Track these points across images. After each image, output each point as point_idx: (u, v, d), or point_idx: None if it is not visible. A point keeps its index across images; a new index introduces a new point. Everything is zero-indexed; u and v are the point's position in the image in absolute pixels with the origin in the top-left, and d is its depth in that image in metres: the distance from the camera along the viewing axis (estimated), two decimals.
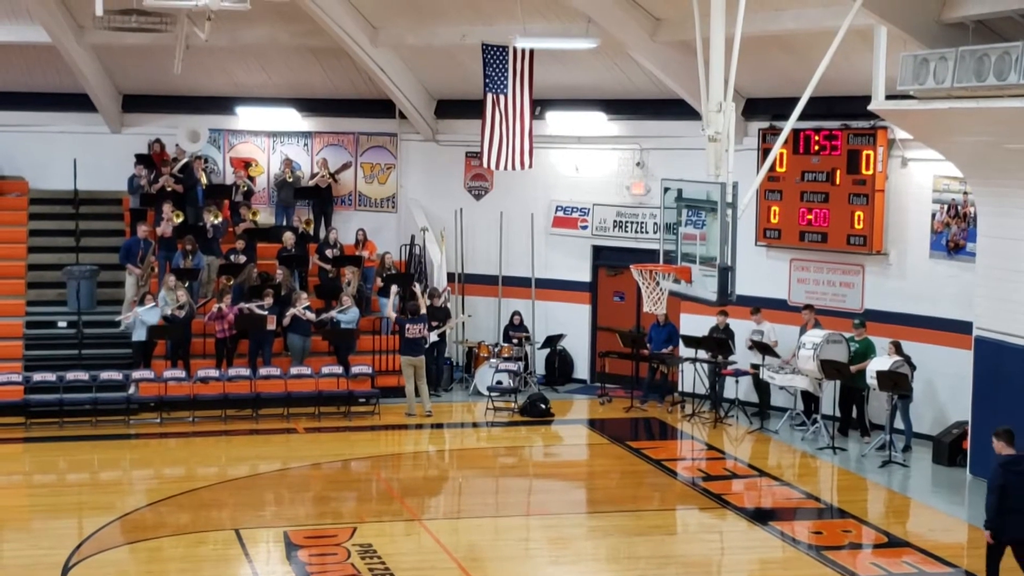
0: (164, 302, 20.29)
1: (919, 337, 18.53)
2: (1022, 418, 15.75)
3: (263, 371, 20.17)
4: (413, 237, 23.30)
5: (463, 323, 22.89)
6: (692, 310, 20.27)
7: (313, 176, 23.69)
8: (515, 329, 22.31)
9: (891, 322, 18.94)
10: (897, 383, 17.33)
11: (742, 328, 20.04)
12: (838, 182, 19.41)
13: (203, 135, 23.67)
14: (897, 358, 17.70)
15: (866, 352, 18.46)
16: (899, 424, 18.04)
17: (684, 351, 20.77)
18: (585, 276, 22.89)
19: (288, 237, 22.29)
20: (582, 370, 22.95)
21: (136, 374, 19.77)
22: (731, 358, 20.08)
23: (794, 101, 14.72)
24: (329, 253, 22.31)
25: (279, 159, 24.04)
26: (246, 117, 24.31)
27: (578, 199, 22.66)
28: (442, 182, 23.68)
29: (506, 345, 21.95)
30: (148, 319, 19.99)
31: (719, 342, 20.06)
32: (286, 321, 20.49)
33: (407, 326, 20.01)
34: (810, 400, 19.32)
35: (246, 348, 20.61)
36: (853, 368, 18.18)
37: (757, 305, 19.90)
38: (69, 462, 17.74)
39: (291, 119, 24.22)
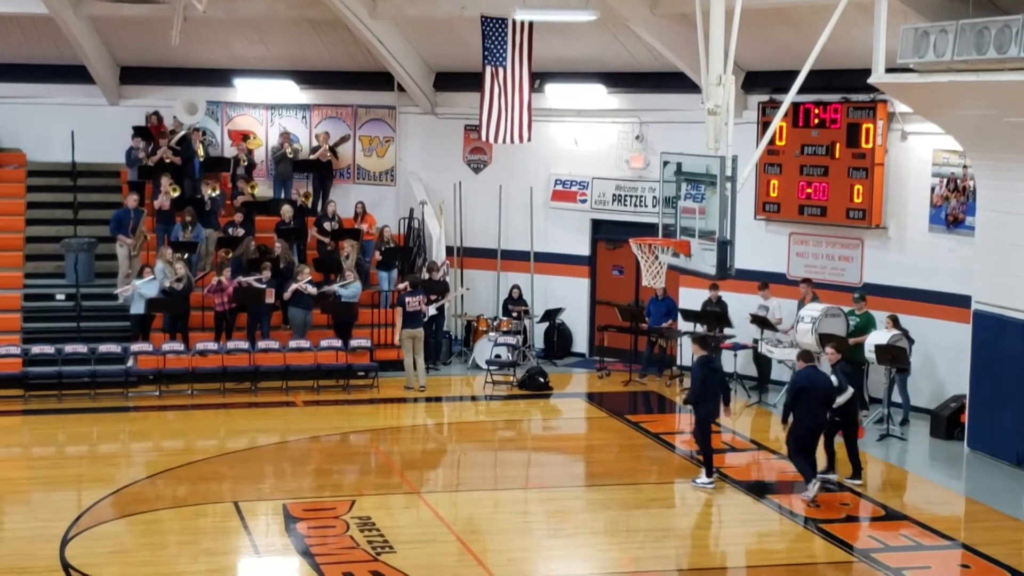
0: (163, 275, 20.27)
1: (918, 311, 18.54)
2: (1020, 391, 15.83)
3: (262, 344, 20.17)
4: (412, 210, 23.27)
5: (462, 296, 22.89)
6: (691, 284, 20.28)
7: (314, 150, 23.63)
8: (514, 303, 22.31)
9: (890, 296, 18.95)
10: (895, 357, 17.35)
11: (747, 303, 20.02)
12: (838, 156, 19.37)
13: (201, 107, 23.59)
14: (895, 332, 17.72)
15: (866, 326, 18.46)
16: (897, 398, 18.07)
17: (683, 325, 20.78)
18: (584, 250, 22.87)
19: (287, 210, 22.25)
20: (581, 344, 22.96)
21: (135, 347, 19.77)
22: (730, 332, 20.09)
23: (794, 74, 14.70)
24: (328, 226, 22.28)
25: (277, 132, 23.98)
26: (244, 89, 24.24)
27: (577, 172, 22.63)
28: (441, 155, 23.64)
29: (505, 319, 21.96)
30: (146, 292, 19.98)
31: (717, 315, 20.06)
32: (287, 295, 20.47)
33: (406, 299, 20.00)
34: None
35: (245, 321, 20.61)
36: (852, 341, 18.19)
37: (764, 280, 19.89)
38: (68, 435, 17.75)
39: (289, 91, 24.15)
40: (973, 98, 15.26)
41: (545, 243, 22.98)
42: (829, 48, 14.72)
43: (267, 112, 24.33)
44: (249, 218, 22.06)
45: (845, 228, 19.54)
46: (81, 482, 15.55)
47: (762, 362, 19.99)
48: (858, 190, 19.14)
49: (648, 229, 18.23)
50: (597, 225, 22.69)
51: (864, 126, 19.03)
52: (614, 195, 22.25)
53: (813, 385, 14.63)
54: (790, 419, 14.73)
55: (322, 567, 12.40)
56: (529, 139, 21.22)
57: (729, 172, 13.93)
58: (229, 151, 23.97)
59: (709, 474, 15.20)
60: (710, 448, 15.34)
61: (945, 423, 17.55)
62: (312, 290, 20.57)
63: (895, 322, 17.93)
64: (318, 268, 21.62)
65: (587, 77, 22.13)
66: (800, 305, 19.18)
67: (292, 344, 20.24)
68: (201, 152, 23.13)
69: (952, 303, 17.96)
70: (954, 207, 18.18)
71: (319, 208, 23.11)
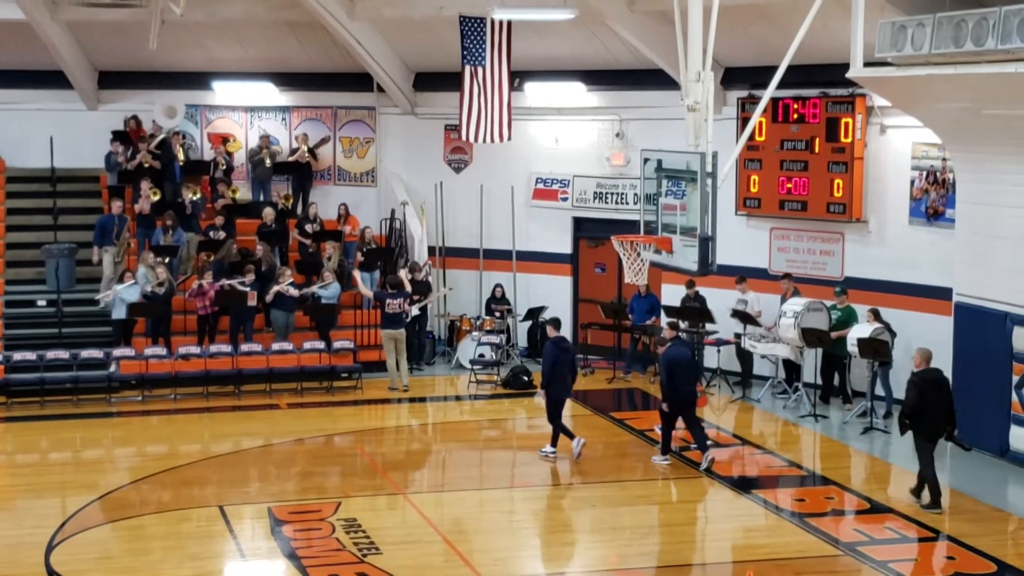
0: (144, 279, 20.21)
1: (899, 304, 18.59)
2: (1002, 383, 15.89)
3: (245, 347, 20.12)
4: (393, 211, 23.25)
5: (444, 296, 22.88)
6: (673, 280, 20.32)
7: (293, 152, 23.59)
8: (497, 302, 22.31)
9: (871, 289, 19.01)
10: (878, 350, 17.40)
11: (727, 297, 20.07)
12: (817, 150, 19.42)
13: (180, 111, 23.53)
14: (877, 325, 17.77)
15: (848, 320, 18.51)
16: (880, 391, 18.12)
17: (665, 321, 20.79)
18: (566, 248, 22.89)
19: (268, 213, 22.21)
20: None
21: (117, 352, 19.70)
22: (713, 327, 20.12)
23: (773, 70, 14.73)
24: (309, 228, 22.25)
25: (257, 134, 23.93)
26: (223, 92, 24.17)
27: (558, 171, 22.63)
28: (422, 155, 23.62)
29: (488, 318, 21.95)
30: (128, 297, 19.91)
31: (700, 311, 20.10)
32: (269, 297, 20.44)
33: (387, 300, 20.00)
34: (792, 368, 19.39)
35: (227, 325, 20.55)
36: (834, 335, 18.25)
37: (741, 275, 19.94)
38: (51, 441, 17.70)
39: (268, 94, 24.10)
40: (951, 91, 15.31)
41: (527, 242, 22.98)
42: (807, 43, 14.75)
43: (247, 115, 24.27)
44: (230, 221, 22.02)
45: (826, 222, 19.59)
46: (65, 488, 15.49)
47: (745, 357, 20.03)
48: (838, 184, 19.19)
49: (630, 226, 18.22)
50: (579, 223, 22.71)
51: (843, 120, 19.08)
52: (595, 193, 22.27)
53: (680, 357, 15.90)
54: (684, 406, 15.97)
55: (308, 570, 12.39)
56: (509, 138, 21.21)
57: (709, 168, 13.95)
58: (209, 154, 23.91)
59: (554, 444, 16.33)
60: (559, 424, 16.35)
61: None
62: (294, 292, 20.54)
63: (877, 315, 17.98)
64: (300, 270, 21.59)
65: (566, 75, 22.14)
66: (782, 300, 19.24)
67: (275, 347, 20.20)
68: (181, 156, 23.06)
69: (933, 296, 18.02)
70: (934, 200, 18.24)
71: (299, 210, 23.07)
